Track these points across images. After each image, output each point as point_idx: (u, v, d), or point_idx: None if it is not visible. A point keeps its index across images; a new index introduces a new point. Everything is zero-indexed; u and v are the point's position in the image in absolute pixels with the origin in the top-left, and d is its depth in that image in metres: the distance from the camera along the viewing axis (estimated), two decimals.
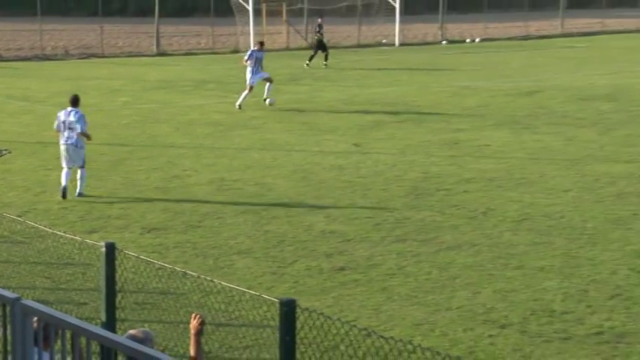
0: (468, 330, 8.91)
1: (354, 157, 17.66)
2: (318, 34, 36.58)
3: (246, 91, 23.86)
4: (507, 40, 49.67)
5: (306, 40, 46.78)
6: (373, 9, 48.34)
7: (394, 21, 46.35)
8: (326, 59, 35.08)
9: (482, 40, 49.65)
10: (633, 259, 10.99)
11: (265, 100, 23.85)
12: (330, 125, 21.51)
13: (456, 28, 51.93)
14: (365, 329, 6.74)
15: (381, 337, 5.96)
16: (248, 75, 24.10)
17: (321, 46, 35.96)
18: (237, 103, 23.76)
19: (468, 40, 49.73)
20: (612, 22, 57.68)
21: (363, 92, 26.86)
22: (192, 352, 5.71)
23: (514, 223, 12.72)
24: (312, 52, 36.07)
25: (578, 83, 29.38)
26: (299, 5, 47.10)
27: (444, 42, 48.41)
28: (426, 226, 12.64)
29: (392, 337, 6.11)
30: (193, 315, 5.76)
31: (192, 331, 5.67)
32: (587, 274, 10.51)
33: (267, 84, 24.08)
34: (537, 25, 54.21)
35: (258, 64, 24.14)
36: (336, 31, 47.94)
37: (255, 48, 25.35)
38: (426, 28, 50.43)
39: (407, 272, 10.65)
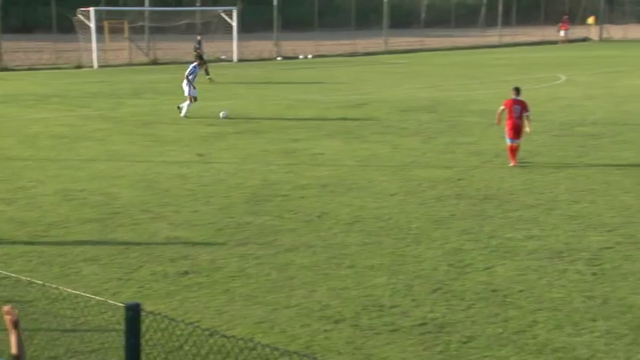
0: (305, 326, 8.98)
1: (197, 166, 17.50)
2: (197, 50, 36.29)
3: (188, 102, 24.58)
4: (337, 57, 50.57)
5: (147, 55, 46.10)
6: (212, 26, 48.19)
7: (232, 38, 46.39)
8: (207, 73, 35.03)
9: (315, 56, 50.39)
10: (452, 256, 11.38)
11: (182, 114, 24.33)
12: (174, 137, 21.24)
13: (290, 45, 52.44)
14: (208, 329, 6.68)
15: (224, 336, 5.92)
16: (186, 88, 24.71)
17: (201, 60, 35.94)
18: (183, 114, 24.30)
19: (301, 57, 50.33)
20: (430, 41, 59.76)
21: (205, 105, 26.65)
22: (13, 350, 5.06)
23: (346, 226, 12.92)
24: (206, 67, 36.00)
25: (402, 96, 30.23)
26: (140, 23, 46.38)
27: (279, 58, 48.83)
28: (266, 230, 12.66)
29: (234, 336, 6.08)
30: (5, 309, 5.08)
31: (9, 326, 5.01)
32: (412, 270, 10.80)
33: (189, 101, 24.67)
34: (364, 43, 55.46)
35: (194, 78, 24.97)
36: (177, 48, 47.42)
37: (196, 63, 25.92)
38: (262, 45, 50.69)
39: (248, 274, 10.63)
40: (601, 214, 13.45)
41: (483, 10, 73.22)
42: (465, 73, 39.60)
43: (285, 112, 25.88)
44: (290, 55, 50.26)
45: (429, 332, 8.82)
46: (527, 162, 17.73)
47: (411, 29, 65.81)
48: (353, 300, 9.73)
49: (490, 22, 66.44)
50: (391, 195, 14.99)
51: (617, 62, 45.02)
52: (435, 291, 10.04)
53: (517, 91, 18.03)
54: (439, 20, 71.04)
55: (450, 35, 64.28)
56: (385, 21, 56.98)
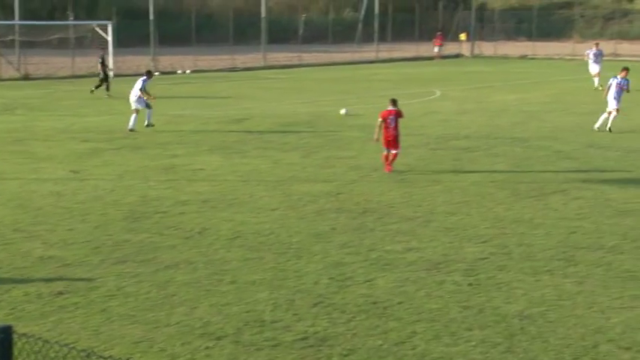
0: (186, 344, 8.86)
1: (72, 183, 17.07)
2: (102, 66, 35.48)
3: (149, 110, 24.83)
4: (216, 72, 50.38)
5: (18, 70, 44.76)
6: (86, 41, 47.22)
7: (108, 53, 45.53)
8: (107, 89, 34.48)
9: (193, 71, 50.05)
10: (333, 269, 11.47)
11: (146, 124, 24.64)
12: (47, 153, 20.67)
13: (168, 60, 51.94)
14: (84, 350, 6.49)
15: (101, 357, 5.76)
16: (139, 102, 24.75)
17: (104, 76, 35.33)
18: (131, 127, 24.34)
19: (179, 72, 49.89)
20: (308, 56, 60.29)
21: (80, 121, 26.06)
22: None
23: (227, 241, 12.85)
24: (99, 83, 35.28)
25: (282, 111, 30.36)
26: (10, 37, 45.03)
27: (156, 73, 48.15)
28: (145, 247, 12.45)
29: (111, 357, 5.94)
30: None
31: None
32: (293, 284, 10.82)
33: (148, 110, 24.95)
34: (243, 58, 55.48)
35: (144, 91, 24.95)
36: (49, 63, 46.22)
37: (145, 77, 25.44)
38: (139, 60, 49.94)
39: (126, 292, 10.41)
40: (476, 226, 13.83)
41: (360, 27, 74.52)
42: (343, 89, 40.11)
43: (164, 127, 25.57)
44: (168, 70, 49.76)
45: (311, 346, 8.85)
46: (405, 176, 18.07)
47: (289, 45, 66.25)
48: (234, 316, 9.67)
49: (367, 38, 67.60)
50: (272, 210, 15.00)
51: (489, 78, 46.53)
52: (316, 305, 10.09)
53: (394, 102, 18.58)
54: (317, 36, 71.81)
55: (328, 51, 65.06)
56: (263, 36, 57.20)
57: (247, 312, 9.81)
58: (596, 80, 38.20)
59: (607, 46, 64.43)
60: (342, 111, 28.47)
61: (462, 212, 14.80)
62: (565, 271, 11.38)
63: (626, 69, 25.11)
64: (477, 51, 69.51)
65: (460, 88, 39.59)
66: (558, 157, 20.32)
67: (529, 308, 9.96)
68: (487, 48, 69.47)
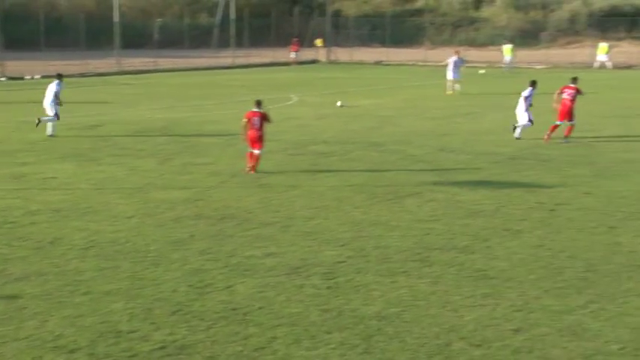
0: (37, 358, 8.56)
1: None
2: None
3: (54, 119, 24.41)
4: (67, 77, 48.96)
5: None
6: None
7: None
8: None
9: (43, 76, 48.52)
10: (191, 277, 11.35)
11: (49, 133, 24.36)
12: None
13: (16, 65, 50.14)
14: None
15: None
16: (53, 107, 24.41)
17: None
18: (50, 133, 24.19)
19: (27, 77, 48.26)
20: (164, 62, 59.57)
21: None
22: None
23: (81, 251, 12.51)
24: None
25: (137, 117, 29.83)
26: None
27: (2, 78, 46.52)
28: None
29: None
30: None
31: None
32: (151, 293, 10.64)
33: (54, 119, 24.59)
34: (96, 64, 54.23)
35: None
36: None
37: (58, 81, 24.97)
38: None
39: None
40: (334, 230, 14.00)
41: (216, 32, 74.26)
42: (200, 94, 39.82)
43: (12, 135, 24.64)
44: (16, 75, 48.03)
45: (169, 355, 8.73)
46: (264, 182, 18.11)
47: (144, 50, 65.25)
48: (89, 328, 9.41)
49: (223, 44, 67.42)
50: (128, 218, 14.71)
51: (345, 83, 47.26)
52: (174, 313, 9.96)
53: (258, 104, 19.03)
54: (172, 41, 71.05)
55: (184, 56, 64.47)
56: (117, 41, 56.09)
57: (102, 323, 9.57)
58: (456, 86, 39.31)
59: (459, 52, 66.78)
60: (338, 103, 32.89)
61: (321, 216, 14.95)
62: (420, 271, 11.67)
63: (534, 82, 25.19)
64: (332, 57, 70.49)
65: (317, 94, 40.03)
66: (412, 160, 20.84)
67: (386, 309, 10.15)
68: (343, 54, 70.57)
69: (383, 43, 72.96)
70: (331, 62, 69.13)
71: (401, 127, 27.46)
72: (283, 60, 65.50)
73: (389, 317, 9.89)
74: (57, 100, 24.60)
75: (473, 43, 73.33)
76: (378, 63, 66.57)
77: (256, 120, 18.86)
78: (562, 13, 77.83)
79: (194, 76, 53.64)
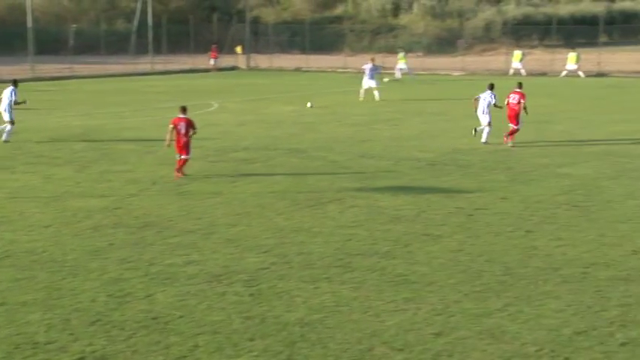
0: None
1: None
2: None
3: (10, 127, 24.17)
4: None
5: None
6: None
7: None
8: None
9: None
10: (111, 286, 11.18)
11: (4, 139, 24.37)
12: None
13: None
14: None
15: None
16: (8, 113, 24.28)
17: None
18: (5, 139, 24.27)
19: None
20: (80, 68, 58.62)
21: None
22: None
23: None
24: None
25: (52, 124, 29.27)
26: None
27: None
28: None
29: None
30: None
31: None
32: (69, 303, 10.44)
33: (10, 126, 24.46)
34: (8, 70, 52.96)
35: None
36: None
37: (13, 87, 24.68)
38: None
39: None
40: (257, 236, 13.97)
41: (134, 38, 73.37)
42: (117, 101, 39.29)
43: None
44: None
45: None
46: (185, 189, 17.97)
47: (59, 56, 64.07)
48: (4, 340, 9.19)
49: (141, 50, 66.62)
50: (45, 227, 14.41)
51: (265, 90, 47.23)
52: (93, 323, 9.79)
53: (183, 109, 19.18)
54: (89, 47, 69.99)
55: (101, 62, 63.54)
56: (30, 47, 54.93)
57: (18, 334, 9.35)
58: (375, 94, 39.55)
59: (375, 60, 67.44)
60: (308, 104, 34.90)
61: (243, 223, 14.90)
62: (342, 277, 11.73)
63: (492, 85, 25.56)
64: (252, 63, 70.39)
65: (237, 100, 39.91)
66: (334, 166, 20.95)
67: (309, 315, 10.17)
68: (262, 60, 70.54)
69: (303, 49, 73.18)
70: (251, 69, 69.03)
71: (322, 133, 27.57)
72: (203, 66, 65.10)
73: (312, 323, 9.91)
74: (13, 106, 24.45)
75: (392, 50, 74.11)
76: (298, 69, 66.75)
77: (182, 125, 18.91)
78: (477, 22, 79.31)
79: (111, 82, 52.90)
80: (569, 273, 11.86)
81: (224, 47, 70.87)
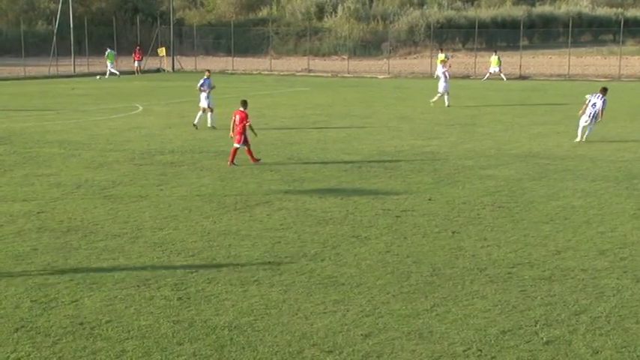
0: None
1: None
2: None
3: None
4: None
5: None
6: None
7: None
8: None
9: None
10: (35, 292, 10.96)
11: None
12: None
13: None
14: None
15: None
16: None
17: None
18: None
19: None
20: (0, 69, 57.30)
21: None
22: None
23: None
24: None
25: None
26: None
27: None
28: None
29: None
30: None
31: None
32: None
33: None
34: None
35: None
36: None
37: None
38: None
39: None
40: (184, 240, 13.86)
41: (55, 40, 72.04)
42: (40, 103, 38.53)
43: None
44: None
45: None
46: (110, 192, 17.72)
47: None
48: None
49: (64, 52, 65.45)
50: None
51: (191, 92, 46.80)
52: (17, 330, 9.58)
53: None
54: (8, 49, 68.46)
55: (22, 64, 62.21)
56: None
57: None
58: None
59: (301, 62, 67.60)
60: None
61: (170, 227, 14.77)
62: (271, 280, 11.71)
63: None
64: (177, 66, 69.83)
65: (163, 103, 39.54)
66: (261, 169, 20.91)
67: (238, 319, 10.13)
68: (187, 63, 70.02)
69: (228, 52, 72.87)
70: (176, 71, 68.44)
71: (249, 135, 27.44)
72: (127, 69, 64.29)
73: (241, 327, 9.87)
74: None
75: (317, 53, 74.41)
76: (223, 72, 66.43)
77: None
78: (402, 25, 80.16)
79: (33, 84, 51.85)
80: (495, 273, 12.06)
81: (148, 49, 70.10)
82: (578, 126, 26.37)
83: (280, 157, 22.78)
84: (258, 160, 21.78)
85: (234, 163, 21.33)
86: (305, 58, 69.64)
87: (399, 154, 23.62)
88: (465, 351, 9.25)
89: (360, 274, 12.00)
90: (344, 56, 72.81)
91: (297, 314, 10.35)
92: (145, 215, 15.66)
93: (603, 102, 25.55)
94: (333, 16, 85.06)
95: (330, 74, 62.84)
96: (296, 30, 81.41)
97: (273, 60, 68.76)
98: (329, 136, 27.60)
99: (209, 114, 29.43)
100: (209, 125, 29.14)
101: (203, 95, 29.69)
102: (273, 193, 17.87)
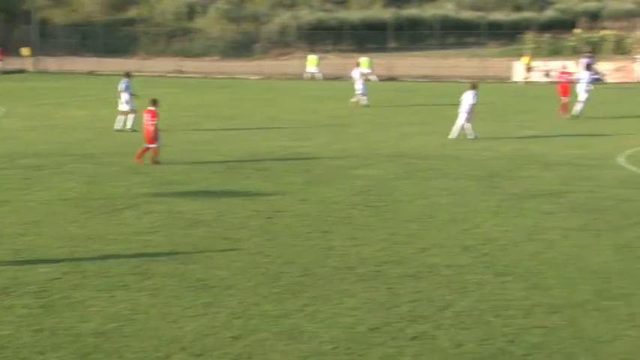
0: None
1: None
2: None
3: None
4: None
5: None
6: None
7: None
8: None
9: None
10: None
11: None
12: None
13: None
14: None
15: None
16: None
17: None
18: None
19: None
20: None
21: None
22: None
23: None
24: None
25: None
26: None
27: None
28: None
29: None
30: None
31: None
32: None
33: None
34: None
35: None
36: None
37: None
38: None
39: None
40: (48, 246, 13.48)
41: None
42: None
43: None
44: None
45: None
46: None
47: None
48: None
49: None
50: None
51: (56, 94, 45.63)
52: None
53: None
54: None
55: None
56: None
57: None
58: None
59: (171, 63, 66.82)
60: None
61: (33, 232, 14.33)
62: (140, 284, 11.53)
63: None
64: (41, 66, 67.77)
65: (26, 105, 38.34)
66: (130, 172, 20.56)
67: (104, 325, 9.93)
68: (52, 63, 68.09)
69: (95, 52, 71.28)
70: (40, 72, 66.42)
71: (117, 138, 26.99)
72: None
73: (107, 333, 9.68)
74: None
75: (188, 54, 73.67)
76: (90, 73, 64.95)
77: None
78: (273, 26, 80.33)
79: None
80: (364, 271, 12.25)
81: (10, 49, 67.75)
82: (454, 124, 27.20)
83: (148, 160, 22.43)
84: (157, 162, 21.65)
85: (141, 161, 21.59)
86: (176, 59, 68.88)
87: (271, 155, 23.68)
88: (333, 349, 9.36)
89: (231, 277, 11.97)
90: (216, 57, 72.40)
91: (165, 318, 10.23)
92: (6, 221, 15.14)
93: (473, 96, 26.69)
94: (204, 16, 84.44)
95: (201, 75, 62.37)
96: (166, 30, 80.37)
97: (142, 61, 67.69)
98: (199, 138, 27.40)
99: (130, 116, 28.84)
100: (128, 128, 28.60)
101: (124, 98, 29.05)
102: (142, 196, 17.61)
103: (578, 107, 33.58)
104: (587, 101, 33.54)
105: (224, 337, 9.65)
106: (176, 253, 13.14)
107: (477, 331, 9.90)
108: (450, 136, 26.95)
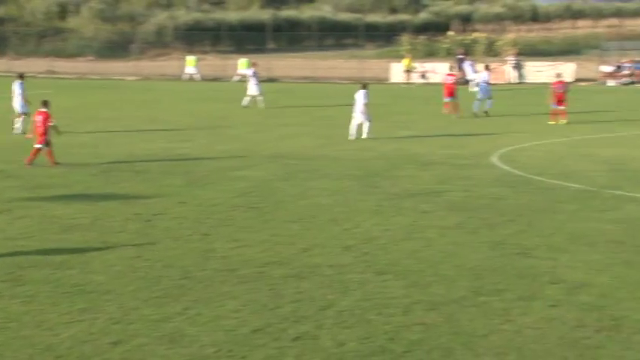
0: None
1: None
2: None
3: None
4: None
5: None
6: None
7: None
8: None
9: None
10: None
11: None
12: None
13: None
14: None
15: None
16: None
17: None
18: None
19: None
20: None
21: None
22: None
23: None
24: None
25: None
26: None
27: None
28: None
29: None
30: None
31: None
32: None
33: None
34: None
35: None
36: None
37: None
38: None
39: None
40: None
41: None
42: None
43: None
44: None
45: None
46: None
47: None
48: None
49: None
50: None
51: None
52: None
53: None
54: None
55: None
56: None
57: None
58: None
59: (43, 64, 65.00)
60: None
61: None
62: (12, 291, 11.17)
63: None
64: None
65: None
66: (2, 176, 19.90)
67: None
68: None
69: None
70: None
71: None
72: None
73: None
74: None
75: (61, 54, 71.79)
76: None
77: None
78: (149, 26, 79.16)
79: None
80: (246, 273, 12.22)
81: None
82: (351, 124, 27.59)
83: (21, 163, 21.75)
84: (57, 163, 21.30)
85: (32, 164, 21.25)
86: (47, 59, 67.03)
87: (150, 157, 23.34)
88: (215, 352, 9.29)
89: (109, 281, 11.73)
90: (90, 57, 70.85)
91: (40, 326, 9.94)
92: None
93: (364, 96, 27.23)
94: (77, 16, 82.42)
95: (76, 76, 60.98)
96: (37, 30, 78.06)
97: (12, 61, 65.57)
98: (75, 140, 26.72)
99: (21, 119, 27.94)
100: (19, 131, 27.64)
101: (19, 100, 28.37)
102: (15, 200, 17.06)
103: (477, 105, 35.65)
104: (482, 100, 35.64)
105: (103, 343, 9.45)
106: (51, 259, 12.78)
107: (358, 329, 10.01)
108: (349, 137, 27.25)
